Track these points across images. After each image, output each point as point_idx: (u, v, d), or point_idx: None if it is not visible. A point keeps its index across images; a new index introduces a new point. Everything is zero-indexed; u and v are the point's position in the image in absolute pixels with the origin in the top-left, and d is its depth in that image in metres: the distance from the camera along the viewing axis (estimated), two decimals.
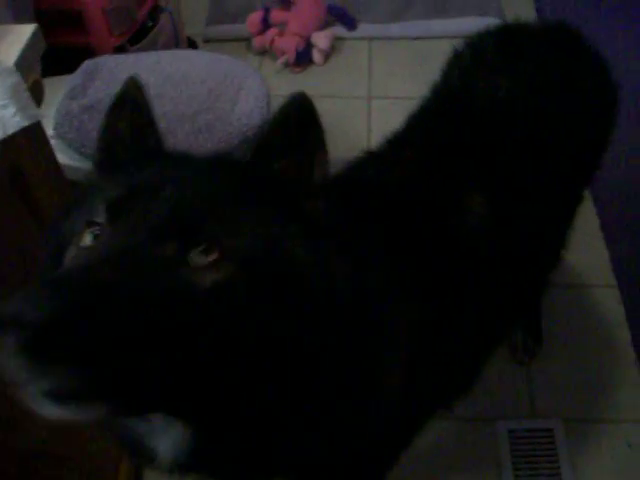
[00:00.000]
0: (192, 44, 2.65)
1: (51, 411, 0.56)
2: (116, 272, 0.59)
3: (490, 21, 1.60)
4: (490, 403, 1.76)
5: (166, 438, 0.73)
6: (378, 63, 2.78)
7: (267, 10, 2.79)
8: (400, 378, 0.88)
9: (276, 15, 2.78)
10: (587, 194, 2.17)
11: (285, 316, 0.67)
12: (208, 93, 1.66)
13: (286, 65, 2.73)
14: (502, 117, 1.18)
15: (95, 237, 0.68)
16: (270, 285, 0.67)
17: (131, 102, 0.83)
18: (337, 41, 2.86)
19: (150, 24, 2.20)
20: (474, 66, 1.29)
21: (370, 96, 2.62)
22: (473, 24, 2.82)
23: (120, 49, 2.08)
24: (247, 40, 2.87)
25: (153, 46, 2.16)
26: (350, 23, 2.90)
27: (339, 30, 2.90)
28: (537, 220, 1.15)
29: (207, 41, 2.90)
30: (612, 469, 1.66)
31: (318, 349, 0.70)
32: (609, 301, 1.99)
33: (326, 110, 2.60)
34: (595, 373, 1.83)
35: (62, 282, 0.57)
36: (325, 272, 0.71)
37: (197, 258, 0.64)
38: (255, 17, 2.79)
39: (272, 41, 2.74)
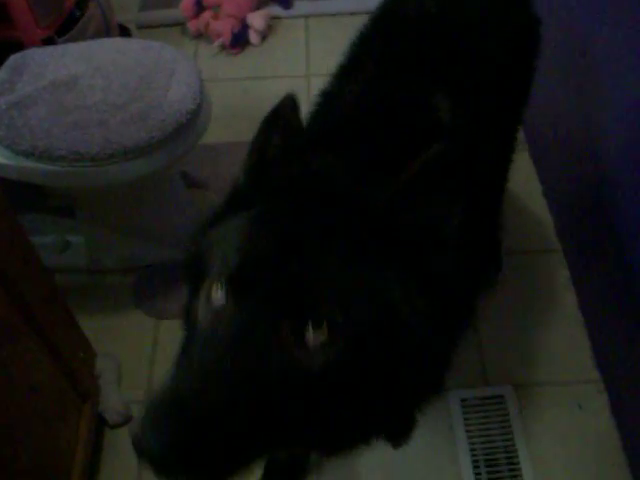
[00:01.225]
0: (125, 31, 2.59)
1: None
2: (237, 372, 0.64)
3: None
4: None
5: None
6: (315, 41, 2.77)
7: None
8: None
9: None
10: (530, 161, 2.21)
11: (382, 368, 0.71)
12: (139, 81, 1.63)
13: (223, 48, 2.71)
14: (438, 29, 1.22)
15: (223, 294, 0.70)
16: (374, 349, 0.69)
17: (286, 116, 0.83)
18: (273, 20, 2.83)
19: (78, 13, 2.15)
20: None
21: (309, 74, 2.60)
22: None
23: (48, 41, 2.02)
24: (182, 24, 2.82)
25: (82, 36, 2.12)
26: (285, 2, 2.88)
27: (275, 9, 2.88)
28: (490, 117, 1.18)
29: (141, 27, 2.85)
30: (564, 431, 1.71)
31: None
32: (554, 265, 2.02)
33: (265, 91, 2.64)
34: (544, 337, 1.87)
35: (181, 405, 0.62)
36: (421, 327, 0.73)
37: (311, 335, 0.66)
38: (188, 1, 2.74)
39: (207, 24, 2.71)
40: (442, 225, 0.74)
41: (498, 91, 1.24)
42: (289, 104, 0.84)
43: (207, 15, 2.72)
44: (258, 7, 2.81)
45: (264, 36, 2.76)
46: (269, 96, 2.75)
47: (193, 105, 1.61)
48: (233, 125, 2.41)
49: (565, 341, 1.86)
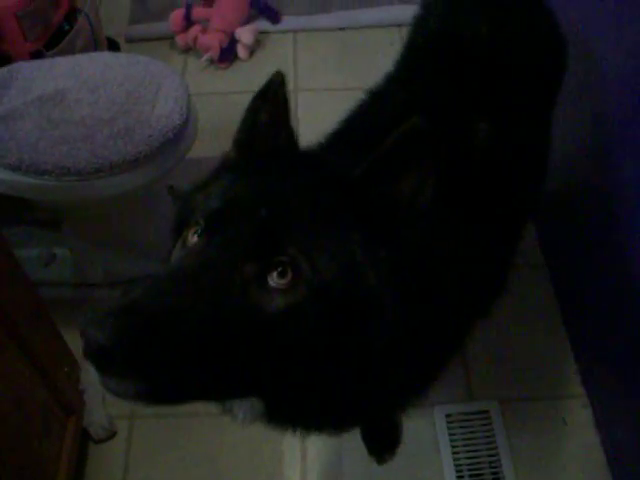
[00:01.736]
0: (114, 45, 2.60)
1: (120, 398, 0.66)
2: (194, 295, 0.66)
3: (415, 9, 1.62)
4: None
5: (240, 407, 0.85)
6: (303, 55, 2.78)
7: (189, 7, 2.75)
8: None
9: (198, 12, 2.75)
10: None
11: (345, 331, 0.73)
12: (126, 96, 1.64)
13: (211, 62, 2.71)
14: (487, 52, 1.29)
15: (197, 237, 0.76)
16: (337, 307, 0.71)
17: (274, 93, 0.87)
18: (261, 35, 2.84)
19: (67, 27, 2.15)
20: (450, 12, 1.40)
21: (297, 89, 2.61)
22: (399, 12, 2.86)
23: (36, 54, 2.03)
24: (171, 38, 2.83)
25: (71, 50, 2.12)
26: (274, 16, 2.89)
27: (263, 24, 2.88)
28: (528, 137, 1.27)
29: (130, 41, 2.85)
30: (549, 446, 1.71)
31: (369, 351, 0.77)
32: (539, 281, 2.03)
33: None
34: (529, 353, 1.88)
35: (133, 309, 0.64)
36: (388, 296, 0.75)
37: (274, 279, 0.69)
38: (177, 15, 2.75)
39: (195, 38, 2.71)
40: (413, 199, 0.77)
41: (529, 113, 1.31)
42: (277, 80, 0.88)
43: (196, 29, 2.73)
44: (247, 22, 2.82)
45: (252, 51, 2.77)
46: None
47: (180, 120, 1.61)
48: (220, 139, 2.37)
49: (550, 356, 1.87)
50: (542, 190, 1.48)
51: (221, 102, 2.58)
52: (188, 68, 2.73)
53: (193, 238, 0.76)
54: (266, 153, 0.87)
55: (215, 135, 2.42)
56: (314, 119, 2.47)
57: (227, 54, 2.70)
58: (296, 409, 0.85)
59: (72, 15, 2.20)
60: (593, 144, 1.68)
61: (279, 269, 0.69)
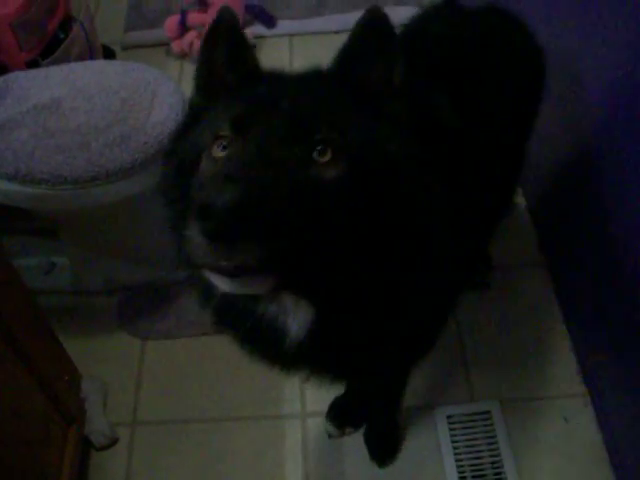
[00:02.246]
0: (109, 52, 2.61)
1: (230, 287, 0.71)
2: (266, 172, 0.72)
3: (408, 10, 1.62)
4: (428, 390, 1.80)
5: (294, 318, 0.86)
6: (300, 59, 2.78)
7: (184, 13, 2.75)
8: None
9: (193, 18, 2.75)
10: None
11: (383, 197, 0.81)
12: (122, 104, 1.64)
13: None
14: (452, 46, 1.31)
15: (224, 148, 0.80)
16: (373, 175, 0.80)
17: (226, 28, 0.92)
18: (257, 40, 2.84)
19: (62, 36, 2.16)
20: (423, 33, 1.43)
21: None
22: (392, 14, 2.85)
23: (32, 63, 2.03)
24: (167, 44, 2.83)
25: (66, 58, 2.12)
26: (269, 21, 2.89)
27: (258, 29, 2.89)
28: (492, 126, 1.26)
29: (125, 48, 2.86)
30: (550, 445, 1.71)
31: (408, 219, 0.85)
32: (539, 280, 2.03)
33: None
34: (530, 352, 1.88)
35: (241, 180, 0.68)
36: (409, 160, 0.85)
37: (318, 157, 0.77)
38: (172, 21, 2.75)
39: (191, 44, 2.72)
40: (390, 76, 0.86)
41: (500, 106, 1.31)
42: (227, 17, 0.92)
43: (191, 35, 2.73)
44: (242, 27, 2.82)
45: None
46: None
47: (175, 126, 1.61)
48: None
49: (551, 355, 1.87)
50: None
51: None
52: (184, 74, 2.73)
53: (222, 152, 0.80)
54: (239, 79, 0.91)
55: None
56: None
57: None
58: (342, 316, 0.88)
59: (67, 24, 2.21)
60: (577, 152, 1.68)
61: (319, 148, 0.77)
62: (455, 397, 1.79)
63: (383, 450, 1.72)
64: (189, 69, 2.74)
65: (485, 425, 1.71)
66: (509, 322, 1.93)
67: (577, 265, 1.86)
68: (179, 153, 0.90)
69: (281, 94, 0.83)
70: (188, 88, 2.62)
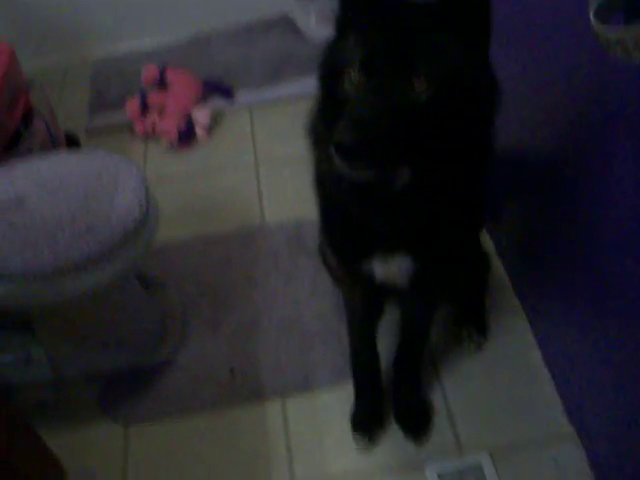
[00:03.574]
0: (72, 140, 2.63)
1: (354, 175, 1.10)
2: (386, 108, 1.06)
3: None
4: (415, 447, 1.79)
5: (398, 177, 1.19)
6: (261, 128, 2.83)
7: (144, 94, 2.81)
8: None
9: (153, 98, 2.81)
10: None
11: (468, 110, 1.12)
12: (85, 194, 1.65)
13: (171, 145, 2.75)
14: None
15: (358, 70, 1.10)
16: (457, 96, 1.10)
17: None
18: (218, 114, 2.90)
19: (23, 130, 2.19)
20: None
21: (257, 162, 2.66)
22: None
23: None
24: (130, 126, 2.87)
25: (29, 151, 2.14)
26: (227, 93, 2.95)
27: (218, 102, 2.94)
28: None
29: (90, 133, 2.89)
30: None
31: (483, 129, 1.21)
32: (516, 323, 2.04)
33: (216, 184, 2.69)
34: (514, 398, 1.87)
35: (359, 125, 1.03)
36: (484, 84, 1.15)
37: (418, 85, 1.06)
38: (133, 103, 2.81)
39: (153, 124, 2.77)
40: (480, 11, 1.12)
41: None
42: None
43: (152, 116, 2.78)
44: (202, 102, 2.88)
45: (210, 129, 2.82)
46: (220, 189, 2.81)
47: (140, 213, 1.63)
48: (187, 221, 2.44)
49: (535, 399, 1.86)
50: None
51: (185, 184, 2.61)
52: (149, 154, 2.77)
53: (355, 76, 1.11)
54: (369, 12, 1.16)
55: (182, 217, 2.46)
56: (277, 189, 2.52)
57: (186, 136, 2.75)
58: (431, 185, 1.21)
59: (28, 117, 2.24)
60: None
61: (419, 78, 1.06)
62: (444, 451, 1.77)
63: (416, 424, 1.82)
64: (154, 148, 2.79)
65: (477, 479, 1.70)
66: (490, 370, 1.94)
67: (554, 307, 1.87)
68: (329, 62, 1.19)
69: (396, 35, 1.09)
70: (154, 167, 2.68)
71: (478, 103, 1.14)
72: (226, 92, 2.95)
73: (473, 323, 2.02)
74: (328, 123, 1.15)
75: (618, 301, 1.46)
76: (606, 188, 1.42)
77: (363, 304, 1.75)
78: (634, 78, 1.23)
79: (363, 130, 1.03)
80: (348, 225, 1.39)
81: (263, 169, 2.62)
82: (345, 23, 1.20)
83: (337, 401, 1.89)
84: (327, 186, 1.35)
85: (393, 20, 1.12)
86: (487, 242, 2.23)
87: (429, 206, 1.25)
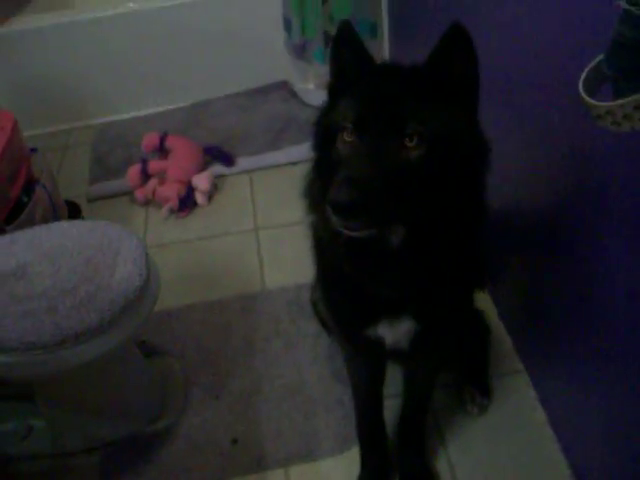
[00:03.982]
0: (74, 208, 2.65)
1: (350, 232, 1.10)
2: (378, 166, 1.08)
3: None
4: None
5: (394, 235, 1.21)
6: (261, 194, 2.86)
7: (145, 162, 2.85)
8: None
9: (154, 165, 2.85)
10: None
11: (458, 168, 1.15)
12: (86, 264, 1.66)
13: (171, 212, 2.78)
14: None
15: (350, 134, 1.15)
16: (447, 153, 1.13)
17: (349, 36, 1.23)
18: (218, 179, 2.94)
19: (25, 199, 2.21)
20: None
21: (257, 228, 2.68)
22: None
23: None
24: (131, 193, 2.90)
25: (31, 221, 2.16)
26: (228, 160, 2.99)
27: (219, 169, 2.98)
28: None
29: (91, 201, 2.92)
30: None
31: (473, 190, 1.22)
32: (519, 384, 2.03)
33: (216, 249, 2.69)
34: (519, 461, 1.84)
35: (353, 183, 1.05)
36: (474, 142, 1.19)
37: (408, 143, 1.10)
38: (134, 170, 2.84)
39: (154, 191, 2.79)
40: (467, 73, 1.16)
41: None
42: (347, 28, 1.23)
43: (153, 183, 2.81)
44: (202, 168, 2.91)
45: (210, 195, 2.85)
46: (221, 254, 2.80)
47: (140, 281, 1.63)
48: (187, 287, 2.44)
49: (540, 461, 1.83)
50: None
51: (185, 250, 2.63)
52: (149, 220, 2.79)
53: (348, 137, 1.15)
54: (359, 76, 1.22)
55: (181, 284, 2.46)
56: (277, 254, 2.53)
57: (186, 203, 2.77)
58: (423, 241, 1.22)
59: (30, 187, 2.26)
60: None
61: (408, 136, 1.10)
62: None
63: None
64: (154, 215, 2.81)
65: None
66: (495, 432, 1.91)
67: (556, 366, 1.86)
68: (323, 126, 1.24)
69: (386, 96, 1.14)
70: (155, 233, 2.68)
71: (468, 161, 1.17)
72: (226, 159, 2.99)
73: (475, 385, 2.00)
74: (323, 185, 1.19)
75: (621, 359, 1.45)
76: (603, 243, 1.43)
77: (367, 368, 1.74)
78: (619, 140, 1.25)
79: (356, 186, 1.05)
80: (348, 290, 1.40)
81: (263, 235, 2.64)
82: (337, 88, 1.25)
83: (341, 470, 1.86)
84: (325, 248, 1.38)
85: (383, 83, 1.18)
86: (489, 305, 2.23)
87: (426, 264, 1.26)
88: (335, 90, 1.27)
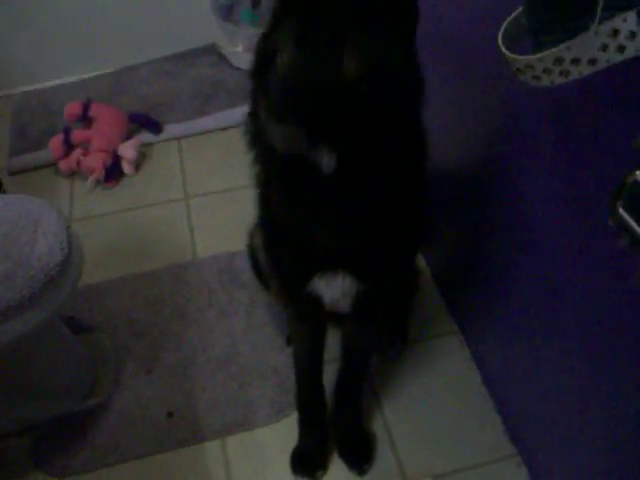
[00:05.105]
0: None
1: (284, 132, 1.10)
2: (318, 79, 1.08)
3: None
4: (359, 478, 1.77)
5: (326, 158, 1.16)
6: (190, 161, 2.79)
7: (67, 131, 2.73)
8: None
9: (77, 135, 2.73)
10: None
11: (392, 94, 1.14)
12: (3, 239, 1.59)
13: (98, 183, 2.69)
14: None
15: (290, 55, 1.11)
16: (384, 74, 1.11)
17: None
18: (146, 147, 2.84)
19: None
20: None
21: (187, 196, 2.61)
22: None
23: None
24: (54, 165, 2.79)
25: None
26: (155, 127, 2.90)
27: (145, 136, 2.89)
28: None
29: (12, 174, 2.80)
30: None
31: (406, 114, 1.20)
32: (454, 347, 2.05)
33: (146, 220, 2.62)
34: (455, 421, 1.87)
35: (293, 84, 1.08)
36: (410, 68, 1.18)
37: (346, 62, 1.08)
38: (56, 141, 2.73)
39: (78, 162, 2.69)
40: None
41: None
42: None
43: (77, 153, 2.70)
44: (128, 137, 2.82)
45: (138, 164, 2.76)
46: (150, 224, 2.75)
47: (62, 255, 1.57)
48: (117, 260, 2.38)
49: (476, 420, 1.87)
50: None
51: (114, 221, 2.55)
52: (75, 192, 2.69)
53: (288, 55, 1.11)
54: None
55: (112, 256, 2.39)
56: (208, 223, 2.48)
57: (112, 172, 2.68)
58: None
59: None
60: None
61: (347, 53, 1.08)
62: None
63: (359, 455, 1.80)
64: (80, 187, 2.71)
65: None
66: (430, 394, 1.94)
67: (487, 326, 1.88)
68: (262, 50, 1.20)
69: (327, 16, 1.12)
70: (81, 205, 2.59)
71: (404, 86, 1.17)
72: (154, 126, 2.90)
73: (397, 334, 2.05)
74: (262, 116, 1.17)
75: (549, 317, 1.47)
76: (530, 197, 1.44)
77: (310, 331, 1.72)
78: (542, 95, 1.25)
79: (293, 90, 1.07)
80: (287, 239, 1.37)
81: (194, 203, 2.58)
82: (281, 12, 1.23)
83: (278, 437, 1.85)
84: (267, 183, 1.35)
85: (325, 3, 1.16)
86: (422, 264, 2.24)
87: (361, 205, 1.23)
88: (278, 14, 1.24)
